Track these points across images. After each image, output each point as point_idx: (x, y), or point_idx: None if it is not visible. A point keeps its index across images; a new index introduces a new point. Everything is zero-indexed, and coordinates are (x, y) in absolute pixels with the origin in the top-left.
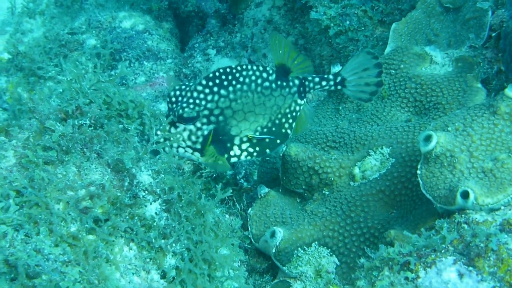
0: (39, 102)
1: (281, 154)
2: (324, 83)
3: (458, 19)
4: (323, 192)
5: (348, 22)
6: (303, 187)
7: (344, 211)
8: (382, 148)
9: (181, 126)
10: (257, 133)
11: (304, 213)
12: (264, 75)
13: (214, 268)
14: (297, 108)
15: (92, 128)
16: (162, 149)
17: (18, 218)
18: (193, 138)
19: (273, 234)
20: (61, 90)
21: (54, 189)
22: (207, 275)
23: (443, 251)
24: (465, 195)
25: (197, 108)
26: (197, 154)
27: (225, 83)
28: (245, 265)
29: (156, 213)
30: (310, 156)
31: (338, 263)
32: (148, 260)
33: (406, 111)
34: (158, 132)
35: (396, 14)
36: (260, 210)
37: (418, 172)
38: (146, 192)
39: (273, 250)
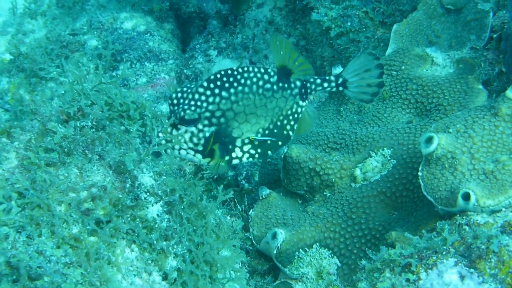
0: (41, 104)
1: (282, 156)
2: (325, 84)
3: (459, 21)
4: (324, 193)
5: (349, 24)
6: (305, 188)
7: (345, 213)
8: (383, 150)
9: (183, 128)
10: (259, 135)
11: (305, 215)
12: (266, 77)
13: (215, 269)
14: (299, 109)
15: (94, 129)
16: (163, 151)
17: (20, 220)
18: (195, 140)
19: (274, 236)
20: (63, 92)
21: (56, 190)
22: (209, 277)
23: (444, 252)
24: (466, 197)
25: (198, 110)
26: (198, 156)
27: (227, 85)
28: (246, 266)
29: (157, 214)
30: (312, 158)
31: (339, 264)
32: (149, 261)
33: (407, 113)
34: (160, 134)
35: (397, 15)
36: (262, 212)
37: (419, 173)
38: (148, 194)
39: (275, 252)
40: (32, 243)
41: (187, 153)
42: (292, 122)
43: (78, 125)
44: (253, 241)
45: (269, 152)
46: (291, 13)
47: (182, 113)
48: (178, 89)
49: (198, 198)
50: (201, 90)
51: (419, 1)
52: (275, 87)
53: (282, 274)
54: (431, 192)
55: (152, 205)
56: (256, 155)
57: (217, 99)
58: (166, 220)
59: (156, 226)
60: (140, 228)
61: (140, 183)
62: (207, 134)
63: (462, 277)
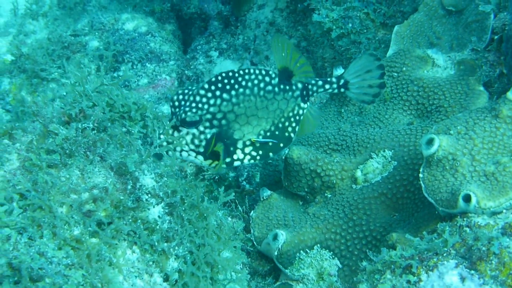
0: (43, 106)
1: (283, 157)
2: (327, 86)
3: (461, 22)
4: (325, 195)
5: (350, 25)
6: (305, 189)
7: (346, 214)
8: (384, 151)
9: (184, 130)
10: (260, 137)
11: (306, 216)
12: (267, 79)
13: (216, 271)
14: (300, 111)
15: (95, 131)
16: (165, 153)
17: (21, 221)
18: (196, 141)
19: (275, 237)
20: (64, 93)
21: (57, 192)
22: (210, 278)
23: (445, 254)
24: (467, 198)
25: (199, 112)
26: (200, 157)
27: (228, 87)
28: (247, 267)
29: (159, 216)
30: (313, 159)
31: (340, 266)
32: (151, 263)
33: (408, 114)
34: (161, 136)
35: (398, 17)
36: (263, 213)
37: (420, 175)
38: (149, 195)
39: (276, 253)
40: (34, 244)
41: (189, 155)
42: (293, 124)
43: (80, 126)
44: (254, 242)
45: (271, 154)
46: (292, 14)
47: (183, 115)
48: (180, 91)
49: (199, 199)
50: (202, 92)
51: (420, 3)
52: (276, 89)
53: (283, 275)
54: (432, 194)
55: (154, 207)
56: (258, 157)
57: (218, 101)
58: (167, 221)
59: (158, 227)
60: (142, 230)
61: (141, 185)
62: (208, 136)
63: (462, 279)
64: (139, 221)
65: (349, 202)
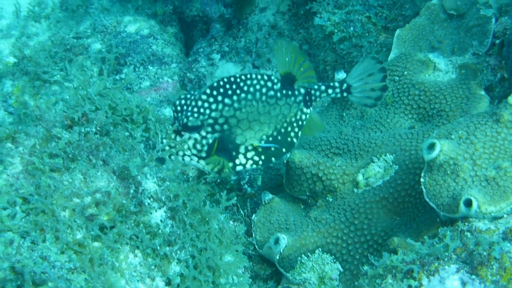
0: (46, 110)
1: (285, 161)
2: (330, 91)
3: (462, 26)
4: (327, 199)
5: (352, 28)
6: (307, 193)
7: (347, 218)
8: (385, 155)
9: (186, 135)
10: (262, 142)
11: (308, 220)
12: (269, 84)
13: (218, 275)
14: (303, 117)
15: (98, 135)
16: (167, 157)
17: (24, 225)
18: (198, 146)
19: (277, 241)
20: (67, 97)
21: (60, 196)
22: (212, 282)
23: (446, 259)
24: (468, 203)
25: (201, 117)
26: (202, 162)
27: (230, 92)
28: (249, 271)
29: (161, 220)
30: (314, 163)
31: (341, 270)
32: (153, 267)
33: (410, 118)
34: (164, 141)
35: (400, 21)
36: (264, 217)
37: (422, 180)
38: (152, 199)
39: (277, 257)
40: (37, 248)
41: (191, 159)
42: (296, 129)
43: (83, 130)
44: (256, 246)
45: (273, 159)
46: (294, 18)
47: (185, 120)
48: (182, 96)
49: (201, 203)
50: (204, 97)
51: (421, 7)
52: (278, 94)
53: (285, 279)
54: (433, 198)
55: (156, 211)
56: (260, 162)
57: (220, 106)
58: (169, 225)
59: (160, 231)
60: (144, 234)
61: (143, 189)
62: (211, 141)
63: (463, 284)
64: (142, 225)
65: (350, 206)
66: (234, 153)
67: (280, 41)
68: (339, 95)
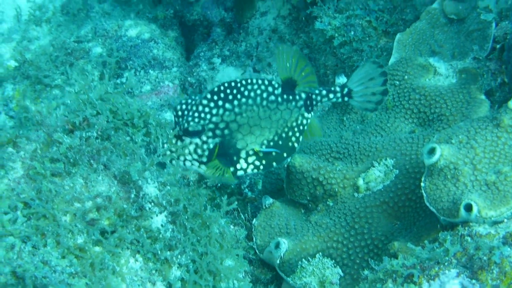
0: (47, 115)
1: (286, 165)
2: (331, 95)
3: (462, 31)
4: (327, 203)
5: (352, 33)
6: (308, 198)
7: (348, 223)
8: (386, 160)
9: (187, 140)
10: (263, 147)
11: (308, 224)
12: (270, 89)
13: (219, 279)
14: (304, 121)
15: (99, 139)
16: (168, 162)
17: (25, 230)
18: (199, 151)
19: (277, 245)
20: (68, 101)
21: (61, 201)
22: (212, 287)
23: (446, 263)
24: (469, 208)
25: (202, 122)
26: (203, 167)
27: (230, 97)
28: (249, 275)
29: (162, 225)
30: (315, 167)
31: (342, 274)
32: (154, 271)
33: (410, 122)
34: (165, 146)
35: (400, 25)
36: (265, 221)
37: (422, 184)
38: (152, 204)
39: (278, 261)
40: (38, 253)
41: (192, 164)
42: (297, 134)
43: (84, 135)
44: (256, 251)
45: (274, 164)
46: (294, 22)
47: (185, 125)
48: (183, 101)
49: (202, 208)
50: (204, 102)
51: (422, 11)
52: (279, 99)
53: (285, 284)
54: (433, 203)
55: (157, 215)
56: (261, 167)
57: (221, 111)
58: (170, 230)
59: (160, 236)
60: (145, 238)
61: (144, 193)
62: (211, 146)
63: None
64: (142, 229)
65: (351, 211)
66: (235, 158)
67: (281, 46)
68: (340, 100)
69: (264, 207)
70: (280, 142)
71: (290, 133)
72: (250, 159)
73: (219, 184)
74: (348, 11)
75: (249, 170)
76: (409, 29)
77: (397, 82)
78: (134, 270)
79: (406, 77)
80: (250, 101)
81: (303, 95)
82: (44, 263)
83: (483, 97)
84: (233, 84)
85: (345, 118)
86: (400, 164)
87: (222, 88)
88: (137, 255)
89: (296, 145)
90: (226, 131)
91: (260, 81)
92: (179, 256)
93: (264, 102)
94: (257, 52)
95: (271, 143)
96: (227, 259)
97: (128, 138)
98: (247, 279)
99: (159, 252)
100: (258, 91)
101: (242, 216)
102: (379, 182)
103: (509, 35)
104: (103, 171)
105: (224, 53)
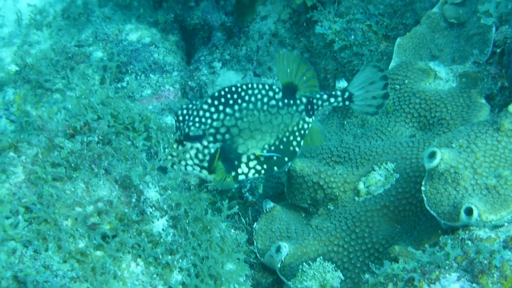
0: (48, 120)
1: (286, 169)
2: (332, 100)
3: (462, 35)
4: (328, 207)
5: (353, 37)
6: (308, 202)
7: (349, 226)
8: (386, 164)
9: (188, 144)
10: (265, 151)
11: (309, 228)
12: (270, 93)
13: (220, 283)
14: (305, 126)
15: (100, 144)
16: (169, 166)
17: (27, 234)
18: (200, 156)
19: (278, 249)
20: (69, 106)
21: (62, 205)
22: None
23: (447, 267)
24: (469, 211)
25: (203, 126)
26: (204, 171)
27: (231, 101)
28: (250, 279)
29: (163, 229)
30: (315, 171)
31: (343, 278)
32: (155, 276)
33: (411, 126)
34: (165, 150)
35: (400, 29)
36: (266, 225)
37: (423, 188)
38: (153, 208)
39: (279, 265)
40: (39, 257)
41: (193, 169)
42: (298, 138)
43: (85, 140)
44: (257, 255)
45: (275, 168)
46: (295, 26)
47: (186, 130)
48: (184, 106)
49: (203, 212)
50: (205, 107)
51: (422, 15)
52: (280, 103)
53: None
54: (434, 207)
55: (158, 220)
56: (262, 171)
57: (221, 116)
58: (171, 234)
59: (162, 240)
60: (146, 243)
61: (145, 198)
62: (212, 151)
63: None
64: (144, 234)
65: (351, 215)
66: (236, 163)
67: (282, 51)
68: (341, 104)
69: (265, 211)
70: (281, 147)
71: (291, 138)
72: (251, 164)
73: (219, 188)
74: (348, 15)
75: (250, 175)
76: (409, 33)
77: (398, 86)
78: (135, 274)
79: (406, 81)
80: (250, 106)
81: (304, 100)
82: (46, 267)
83: (483, 101)
84: (233, 89)
85: (345, 122)
86: (401, 168)
87: (222, 93)
88: (138, 259)
89: (297, 149)
90: (227, 136)
91: (260, 86)
92: (180, 260)
93: (265, 107)
94: (257, 56)
95: (272, 148)
96: (228, 263)
97: (129, 143)
98: (248, 283)
99: (160, 256)
100: (259, 96)
101: (243, 220)
102: (380, 186)
103: (509, 39)
104: (104, 176)
105: (225, 57)
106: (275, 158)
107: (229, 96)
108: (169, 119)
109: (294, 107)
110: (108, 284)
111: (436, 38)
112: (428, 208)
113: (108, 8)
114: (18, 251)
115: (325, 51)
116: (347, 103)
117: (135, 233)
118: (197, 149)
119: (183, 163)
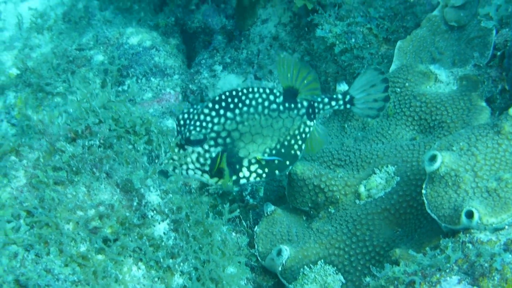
0: (49, 124)
1: (287, 172)
2: (333, 103)
3: (463, 38)
4: (329, 210)
5: (353, 40)
6: (309, 205)
7: (349, 230)
8: (387, 167)
9: (189, 149)
10: (266, 155)
11: (310, 231)
12: (271, 97)
13: (221, 286)
14: (307, 129)
15: (101, 148)
16: (170, 169)
17: (28, 238)
18: (202, 160)
19: (279, 252)
20: (71, 110)
21: (64, 209)
22: None
23: (447, 270)
24: (470, 214)
25: (204, 130)
26: (206, 175)
27: (232, 105)
28: (251, 283)
29: (164, 232)
30: (316, 175)
31: (343, 281)
32: (156, 279)
33: (411, 130)
34: (167, 153)
35: (401, 32)
36: (267, 228)
37: (423, 191)
38: (155, 212)
39: (280, 268)
40: (41, 261)
41: (195, 173)
42: (299, 142)
43: (86, 143)
44: (258, 258)
45: (277, 172)
46: (295, 29)
47: (187, 134)
48: (185, 110)
49: (204, 215)
50: (206, 111)
51: (422, 18)
52: (281, 107)
53: None
54: (434, 210)
55: (159, 223)
56: (264, 175)
57: (222, 120)
58: (172, 238)
59: (163, 244)
60: (147, 246)
61: (147, 201)
62: (213, 155)
63: None
64: (145, 237)
65: (352, 218)
66: (237, 166)
67: (282, 55)
68: (342, 107)
69: (266, 214)
70: (283, 150)
71: (293, 141)
72: (253, 168)
73: (220, 192)
74: (349, 18)
75: (251, 179)
76: (409, 36)
77: (398, 89)
78: (137, 278)
79: (407, 84)
80: (251, 110)
81: (305, 103)
82: (47, 271)
83: (484, 104)
84: (234, 92)
85: (346, 125)
86: (402, 171)
87: (223, 97)
88: (140, 263)
89: (298, 153)
90: (228, 140)
91: (261, 90)
92: (181, 264)
93: (266, 111)
94: (258, 59)
95: (274, 151)
96: (229, 266)
97: (130, 146)
98: (249, 286)
99: (161, 260)
100: (260, 100)
101: (244, 223)
102: (381, 189)
103: (510, 42)
104: (106, 179)
105: (226, 60)
106: (276, 161)
107: (230, 100)
108: (170, 123)
109: (295, 111)
110: (109, 287)
111: (437, 41)
112: (429, 211)
113: (109, 12)
114: (20, 255)
115: (326, 54)
116: (348, 106)
117: (136, 237)
118: (199, 153)
119: (184, 167)
